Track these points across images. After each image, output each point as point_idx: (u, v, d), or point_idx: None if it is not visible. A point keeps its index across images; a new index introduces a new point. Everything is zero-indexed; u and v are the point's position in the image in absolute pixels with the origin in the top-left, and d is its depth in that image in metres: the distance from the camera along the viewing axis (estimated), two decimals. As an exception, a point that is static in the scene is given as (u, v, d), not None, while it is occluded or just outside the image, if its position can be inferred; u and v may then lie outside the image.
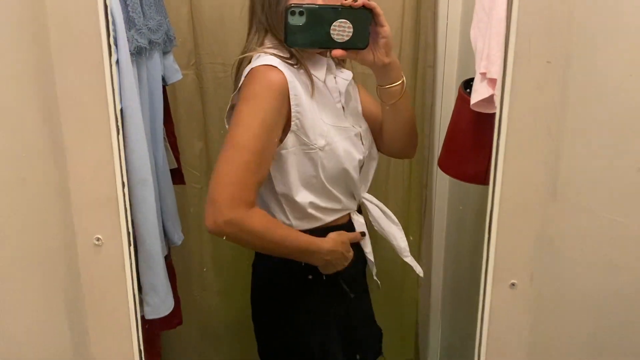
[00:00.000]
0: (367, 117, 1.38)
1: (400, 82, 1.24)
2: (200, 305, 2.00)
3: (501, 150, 0.72)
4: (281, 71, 1.16)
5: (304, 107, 1.19)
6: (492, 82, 1.20)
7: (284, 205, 1.27)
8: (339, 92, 1.30)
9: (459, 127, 1.35)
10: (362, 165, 1.33)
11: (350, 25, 1.09)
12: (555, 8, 0.65)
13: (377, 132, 1.39)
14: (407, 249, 1.42)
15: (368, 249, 1.40)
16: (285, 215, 1.28)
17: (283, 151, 1.21)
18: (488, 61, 1.20)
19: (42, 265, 0.78)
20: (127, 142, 1.06)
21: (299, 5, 1.08)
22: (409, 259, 1.43)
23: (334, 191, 1.28)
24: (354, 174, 1.29)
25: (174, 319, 1.58)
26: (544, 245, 0.73)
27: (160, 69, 1.36)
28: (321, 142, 1.22)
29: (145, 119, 1.26)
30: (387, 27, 1.13)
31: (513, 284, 0.73)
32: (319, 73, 1.26)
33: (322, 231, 1.30)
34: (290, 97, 1.16)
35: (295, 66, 1.21)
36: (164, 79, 1.42)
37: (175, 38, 1.43)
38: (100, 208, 0.76)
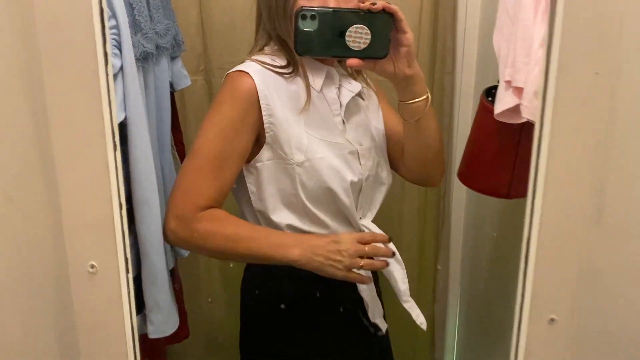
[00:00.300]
0: (388, 135, 1.25)
1: (424, 97, 1.09)
2: (208, 317, 1.95)
3: (541, 171, 0.65)
4: (251, 77, 1.08)
5: (278, 118, 1.09)
6: (518, 90, 1.14)
7: (261, 224, 1.17)
8: (340, 104, 1.17)
9: (481, 137, 1.28)
10: (360, 188, 1.18)
11: (368, 32, 0.98)
12: (604, 13, 0.58)
13: (398, 153, 1.25)
14: (408, 292, 1.21)
15: (363, 285, 1.19)
16: None
17: (259, 164, 1.12)
18: (513, 69, 1.14)
19: (30, 293, 0.72)
20: (130, 157, 1.01)
21: (310, 9, 0.97)
22: (408, 305, 1.21)
23: (318, 213, 1.14)
24: (344, 196, 1.14)
25: (180, 332, 1.52)
26: (587, 276, 0.66)
27: (168, 74, 1.30)
28: (299, 157, 1.11)
29: (152, 127, 1.21)
30: (410, 34, 1.01)
31: (552, 320, 0.66)
32: (315, 82, 1.14)
33: None
34: (261, 106, 1.08)
35: (287, 75, 1.12)
36: (171, 85, 1.36)
37: (183, 42, 1.37)
38: (95, 232, 0.69)
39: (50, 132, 0.67)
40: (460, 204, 1.87)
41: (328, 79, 1.16)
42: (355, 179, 1.16)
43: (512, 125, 1.19)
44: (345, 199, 1.16)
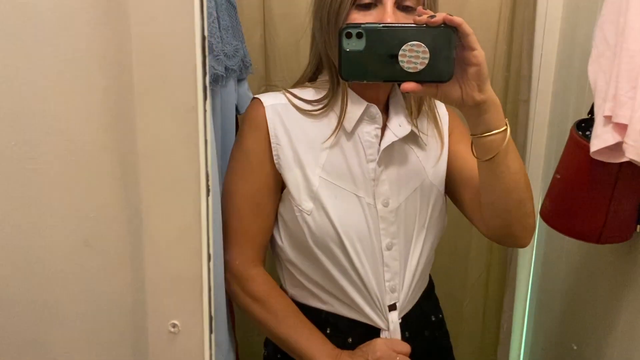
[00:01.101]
0: (463, 181, 1.07)
1: (501, 129, 0.89)
2: (257, 351, 1.87)
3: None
4: (261, 103, 1.03)
5: (285, 157, 1.00)
6: (620, 127, 1.03)
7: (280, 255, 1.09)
8: (378, 149, 1.02)
9: (572, 175, 1.17)
10: (381, 258, 1.03)
11: (426, 50, 0.81)
12: None
13: (475, 203, 1.05)
14: None
15: None
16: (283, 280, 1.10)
17: (283, 195, 1.04)
18: (615, 103, 1.03)
19: (106, 351, 0.65)
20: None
21: (356, 26, 0.82)
22: None
23: (333, 271, 1.02)
24: (357, 260, 1.01)
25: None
26: None
27: (234, 97, 1.25)
28: (307, 205, 1.00)
29: (217, 151, 1.15)
30: (479, 52, 0.82)
31: None
32: (349, 120, 1.01)
33: (326, 316, 1.06)
34: (271, 139, 1.02)
35: (315, 112, 1.02)
36: (236, 108, 1.31)
37: (251, 65, 1.32)
38: (180, 287, 0.61)
39: (138, 174, 0.60)
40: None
41: (367, 117, 1.02)
42: (372, 244, 1.01)
43: (608, 164, 1.08)
44: (362, 268, 1.02)
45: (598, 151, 1.06)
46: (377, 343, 1.02)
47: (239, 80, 1.31)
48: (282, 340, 1.03)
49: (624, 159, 1.03)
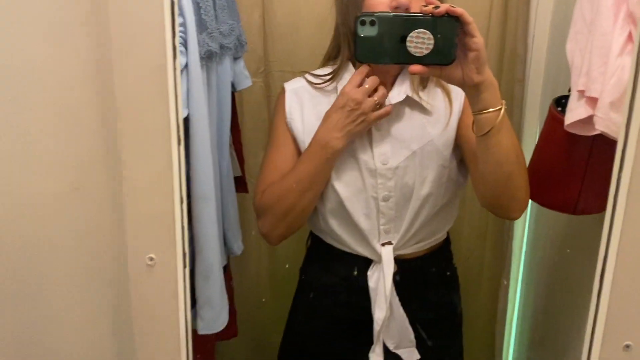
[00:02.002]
0: (468, 152, 1.18)
1: (497, 108, 0.99)
2: (256, 320, 1.96)
3: (623, 188, 0.60)
4: (284, 91, 1.25)
5: (297, 130, 1.22)
6: (592, 101, 1.07)
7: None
8: None
9: (548, 149, 1.22)
10: (378, 208, 1.18)
11: (431, 36, 0.93)
12: None
13: (472, 168, 1.18)
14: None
15: (379, 313, 1.20)
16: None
17: None
18: (588, 78, 1.08)
19: (91, 282, 0.74)
20: (191, 154, 1.02)
21: (370, 14, 0.94)
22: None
23: (338, 230, 1.23)
24: (357, 213, 1.19)
25: (229, 330, 1.53)
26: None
27: (230, 74, 1.32)
28: None
29: (212, 125, 1.23)
30: (479, 38, 0.94)
31: (628, 346, 0.61)
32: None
33: (336, 251, 1.27)
34: (287, 114, 1.23)
35: (324, 84, 1.21)
36: (233, 85, 1.38)
37: (246, 43, 1.39)
38: (156, 225, 0.70)
39: (118, 125, 0.68)
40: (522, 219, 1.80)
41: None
42: (367, 196, 1.18)
43: (582, 137, 1.12)
44: (359, 215, 1.19)
45: (572, 124, 1.11)
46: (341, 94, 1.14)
47: (235, 59, 1.38)
48: (305, 185, 1.18)
49: (595, 132, 1.08)
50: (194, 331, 1.21)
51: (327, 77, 1.21)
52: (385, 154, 1.17)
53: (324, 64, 1.27)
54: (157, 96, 0.65)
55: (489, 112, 1.00)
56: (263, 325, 1.97)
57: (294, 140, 1.23)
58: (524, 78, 1.69)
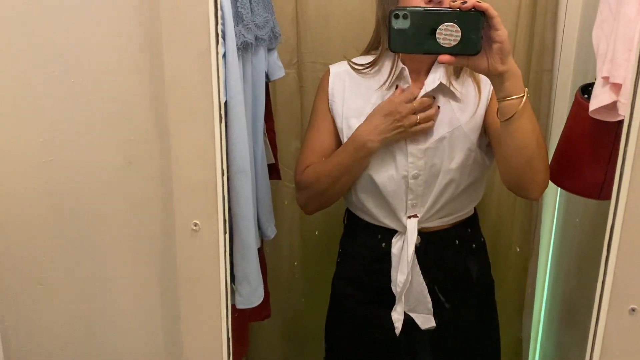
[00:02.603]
0: (493, 136, 1.26)
1: (519, 95, 1.07)
2: (286, 306, 2.02)
3: (628, 162, 0.64)
4: (328, 72, 1.36)
5: (336, 110, 1.32)
6: (616, 87, 1.10)
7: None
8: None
9: (575, 135, 1.24)
10: (407, 185, 1.28)
11: (458, 29, 1.01)
12: None
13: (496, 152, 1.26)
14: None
15: (400, 277, 1.31)
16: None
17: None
18: (612, 65, 1.10)
19: (141, 246, 0.82)
20: (229, 134, 1.09)
21: (403, 9, 1.02)
22: None
23: (367, 204, 1.32)
24: (386, 189, 1.29)
25: (263, 310, 1.61)
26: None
27: (264, 65, 1.38)
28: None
29: (247, 113, 1.29)
30: (503, 31, 1.02)
31: (633, 310, 0.64)
32: (389, 80, 1.28)
33: (366, 224, 1.37)
34: (329, 95, 1.33)
35: (368, 72, 1.31)
36: (267, 76, 1.44)
37: (280, 35, 1.45)
38: (200, 194, 0.78)
39: (167, 105, 0.76)
40: (551, 205, 1.81)
41: (400, 78, 1.27)
42: (399, 175, 1.27)
43: (607, 123, 1.15)
44: (388, 191, 1.29)
45: (596, 110, 1.13)
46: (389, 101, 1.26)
47: (269, 50, 1.44)
48: (342, 173, 1.31)
49: (620, 117, 1.10)
50: (231, 307, 1.29)
51: (368, 65, 1.32)
52: (416, 136, 1.26)
53: (365, 53, 1.37)
54: (202, 79, 0.73)
55: (512, 99, 1.08)
56: (294, 310, 2.04)
57: (333, 121, 1.34)
58: (552, 68, 1.71)
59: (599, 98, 1.12)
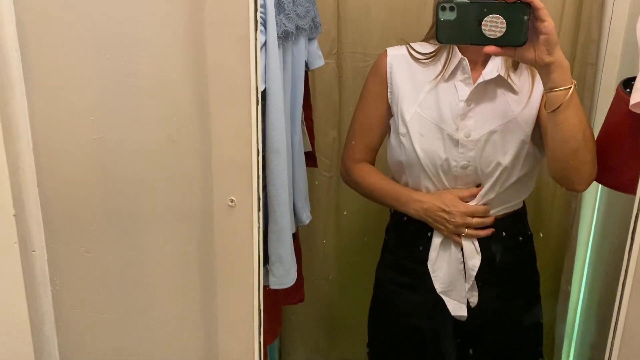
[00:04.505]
0: (542, 129, 1.26)
1: (566, 87, 1.09)
2: (320, 293, 2.05)
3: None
4: (386, 54, 1.35)
5: (396, 94, 1.32)
6: (658, 80, 1.08)
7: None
8: (468, 91, 1.27)
9: (614, 129, 1.22)
10: (455, 175, 1.29)
11: (503, 21, 1.02)
12: None
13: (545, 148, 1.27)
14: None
15: (472, 261, 1.32)
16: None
17: (393, 128, 1.36)
18: (656, 57, 1.08)
19: (181, 220, 0.88)
20: (267, 118, 1.14)
21: (449, 1, 1.05)
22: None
23: (417, 185, 1.34)
24: (434, 176, 1.30)
25: (296, 294, 1.65)
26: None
27: (304, 54, 1.41)
28: (402, 129, 1.31)
29: (286, 100, 1.33)
30: (549, 22, 1.03)
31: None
32: (446, 71, 1.28)
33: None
34: (387, 80, 1.33)
35: (425, 60, 1.31)
36: (306, 64, 1.47)
37: (320, 25, 1.47)
38: (236, 172, 0.83)
39: (208, 87, 0.81)
40: (591, 201, 1.78)
41: (460, 67, 1.27)
42: (448, 164, 1.28)
43: (649, 118, 1.13)
44: (435, 179, 1.30)
45: (637, 104, 1.11)
46: (446, 197, 1.31)
47: (310, 39, 1.47)
48: (380, 202, 1.43)
49: (661, 112, 1.08)
50: (264, 293, 1.33)
51: (429, 56, 1.32)
52: (468, 127, 1.26)
53: (424, 40, 1.37)
54: (240, 63, 0.78)
55: (559, 90, 1.09)
56: (328, 298, 2.07)
57: (384, 104, 1.35)
58: (597, 62, 1.67)
59: (640, 92, 1.10)
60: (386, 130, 1.39)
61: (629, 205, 1.54)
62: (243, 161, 0.82)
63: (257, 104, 0.79)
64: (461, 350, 1.42)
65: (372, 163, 1.47)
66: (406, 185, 1.39)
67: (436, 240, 1.35)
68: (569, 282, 1.87)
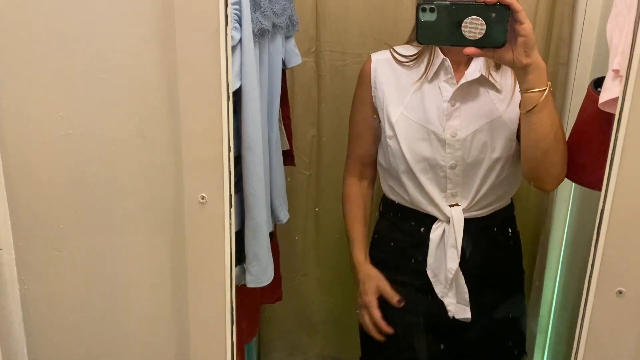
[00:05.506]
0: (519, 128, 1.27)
1: (541, 89, 1.11)
2: (299, 291, 2.05)
3: (618, 148, 0.66)
4: (370, 60, 1.36)
5: (380, 97, 1.34)
6: (627, 80, 1.10)
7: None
8: (451, 91, 1.28)
9: (586, 128, 1.24)
10: (445, 174, 1.30)
11: (483, 22, 1.04)
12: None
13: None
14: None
15: (451, 264, 1.34)
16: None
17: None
18: (623, 57, 1.10)
19: (153, 217, 0.87)
20: (243, 116, 1.13)
21: (429, 2, 1.05)
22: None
23: (408, 186, 1.34)
24: (423, 177, 1.31)
25: (274, 293, 1.65)
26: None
27: (281, 52, 1.41)
28: (388, 131, 1.33)
29: (263, 98, 1.32)
30: (527, 25, 1.05)
31: (620, 292, 0.66)
32: (429, 72, 1.29)
33: (404, 209, 1.39)
34: (372, 84, 1.35)
35: (408, 63, 1.32)
36: (283, 63, 1.47)
37: (298, 23, 1.47)
38: (207, 168, 0.82)
39: (178, 81, 0.80)
40: (564, 198, 1.81)
41: (443, 68, 1.28)
42: (436, 164, 1.28)
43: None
44: (424, 179, 1.31)
45: (606, 103, 1.13)
46: (370, 287, 1.41)
47: (287, 38, 1.47)
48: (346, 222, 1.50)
49: (630, 110, 1.10)
50: (241, 292, 1.33)
51: (412, 58, 1.34)
52: (454, 126, 1.27)
53: (407, 43, 1.39)
54: (211, 59, 0.77)
55: (534, 91, 1.11)
56: (307, 296, 2.07)
57: (371, 107, 1.37)
58: (569, 61, 1.70)
59: (609, 91, 1.12)
60: (377, 138, 1.41)
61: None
62: (214, 158, 0.82)
63: (228, 100, 0.78)
64: (446, 345, 1.43)
65: (370, 178, 1.50)
66: (397, 187, 1.39)
67: (432, 245, 1.35)
68: (540, 278, 1.90)
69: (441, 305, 1.37)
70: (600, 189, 1.28)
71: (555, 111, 1.16)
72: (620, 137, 0.66)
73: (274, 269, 1.38)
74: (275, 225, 1.58)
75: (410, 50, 1.36)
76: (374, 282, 1.40)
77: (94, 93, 0.87)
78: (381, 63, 1.36)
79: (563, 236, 1.85)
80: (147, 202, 0.89)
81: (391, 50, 1.37)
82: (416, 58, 1.33)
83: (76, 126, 0.91)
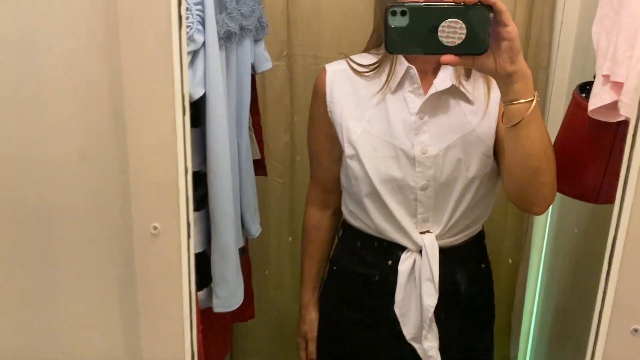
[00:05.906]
0: (498, 143, 1.15)
1: (528, 99, 0.96)
2: (274, 302, 1.98)
3: (634, 168, 0.58)
4: (325, 71, 1.23)
5: (336, 112, 1.21)
6: (617, 86, 1.04)
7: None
8: (419, 103, 1.14)
9: (572, 136, 1.19)
10: (415, 197, 1.16)
11: (463, 26, 0.89)
12: None
13: (500, 159, 1.15)
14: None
15: (428, 300, 1.18)
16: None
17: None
18: (613, 62, 1.04)
19: (98, 248, 0.76)
20: (207, 126, 1.04)
21: (400, 4, 0.90)
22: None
23: (371, 213, 1.21)
24: (391, 200, 1.17)
25: (246, 310, 1.56)
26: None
27: (250, 56, 1.32)
28: (349, 150, 1.19)
29: (231, 106, 1.24)
30: (513, 27, 0.91)
31: (636, 330, 0.59)
32: (392, 82, 1.16)
33: (368, 238, 1.25)
34: (326, 99, 1.22)
35: (367, 74, 1.19)
36: (253, 67, 1.38)
37: (267, 25, 1.39)
38: (160, 194, 0.71)
39: (123, 94, 0.69)
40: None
41: (408, 77, 1.15)
42: (406, 186, 1.15)
43: (606, 124, 1.09)
44: (392, 203, 1.17)
45: (596, 110, 1.08)
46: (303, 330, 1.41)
47: (256, 41, 1.38)
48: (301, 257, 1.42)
49: (620, 118, 1.04)
50: (210, 311, 1.23)
51: (372, 68, 1.20)
52: (424, 142, 1.14)
53: (365, 51, 1.25)
54: (162, 66, 0.65)
55: (520, 103, 0.97)
56: (281, 308, 1.99)
57: (327, 123, 1.22)
58: (549, 65, 1.66)
59: (599, 97, 1.06)
60: (338, 159, 1.26)
61: (583, 212, 1.54)
62: (168, 181, 0.70)
63: (184, 114, 0.68)
64: None
65: (334, 206, 1.35)
66: (359, 213, 1.25)
67: (402, 278, 1.20)
68: (521, 300, 1.86)
69: (407, 349, 1.22)
70: (590, 199, 1.23)
71: (544, 124, 1.03)
72: (637, 156, 0.59)
73: (245, 285, 1.30)
74: (246, 239, 1.50)
75: (368, 59, 1.21)
76: (307, 327, 1.39)
77: (26, 107, 0.74)
78: (337, 74, 1.21)
79: (542, 247, 1.80)
80: (92, 231, 0.77)
81: (348, 60, 1.22)
82: (377, 67, 1.19)
83: (5, 146, 0.78)
